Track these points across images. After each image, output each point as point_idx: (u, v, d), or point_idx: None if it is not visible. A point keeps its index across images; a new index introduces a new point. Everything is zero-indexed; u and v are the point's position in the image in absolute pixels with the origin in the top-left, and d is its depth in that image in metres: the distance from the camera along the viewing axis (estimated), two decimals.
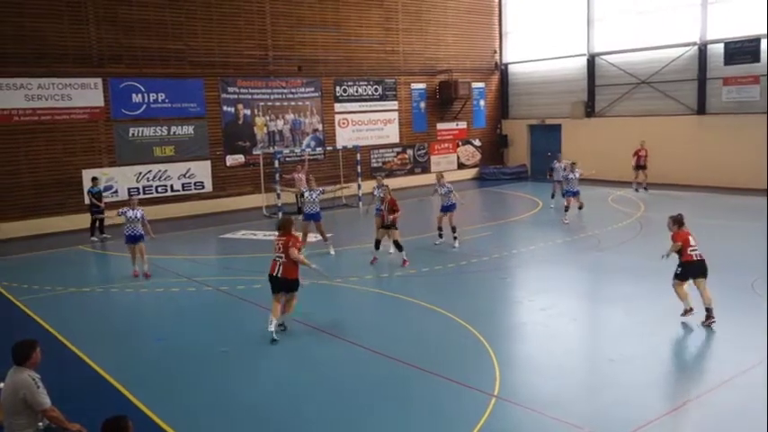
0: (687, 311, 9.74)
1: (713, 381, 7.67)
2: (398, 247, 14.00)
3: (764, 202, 19.42)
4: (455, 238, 15.37)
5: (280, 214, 20.86)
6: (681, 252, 9.85)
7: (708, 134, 23.43)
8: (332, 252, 15.32)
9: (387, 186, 14.70)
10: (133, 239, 13.58)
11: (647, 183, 22.68)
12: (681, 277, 9.83)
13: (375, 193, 15.32)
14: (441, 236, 15.82)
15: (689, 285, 9.76)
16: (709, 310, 9.55)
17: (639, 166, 22.71)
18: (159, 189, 21.61)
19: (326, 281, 11.94)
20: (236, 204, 22.66)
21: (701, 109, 23.82)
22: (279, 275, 9.71)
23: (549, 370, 8.37)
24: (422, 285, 12.61)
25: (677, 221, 10.10)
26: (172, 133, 21.77)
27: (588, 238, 16.09)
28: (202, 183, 22.44)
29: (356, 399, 7.70)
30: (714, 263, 13.32)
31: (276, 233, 10.19)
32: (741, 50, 22.30)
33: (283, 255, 9.72)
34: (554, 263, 14.05)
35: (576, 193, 18.28)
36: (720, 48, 22.90)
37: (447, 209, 15.59)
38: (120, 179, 20.79)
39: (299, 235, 12.85)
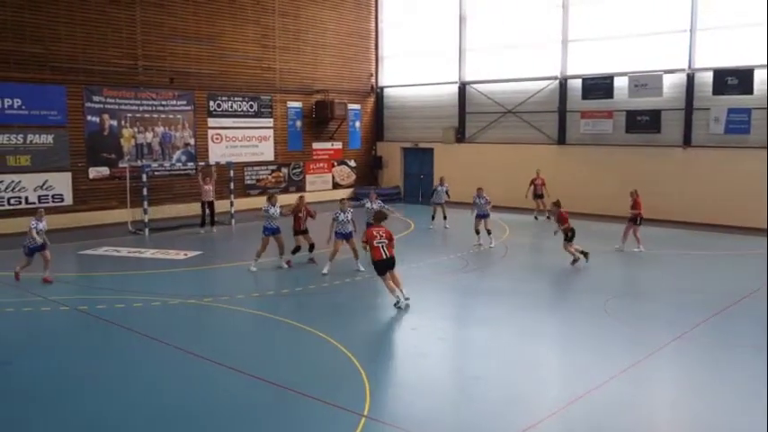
0: (576, 260, 15.35)
1: (570, 395, 8.10)
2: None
3: (617, 228, 21.00)
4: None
5: (146, 230, 20.06)
6: (564, 223, 15.43)
7: (568, 163, 25.00)
8: (284, 265, 15.37)
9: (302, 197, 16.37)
10: (40, 248, 13.78)
11: (547, 210, 23.20)
12: (570, 240, 15.50)
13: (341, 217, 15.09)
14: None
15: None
16: (585, 254, 15.36)
17: (537, 195, 23.45)
18: (12, 201, 20.04)
19: (196, 300, 11.54)
20: (98, 219, 21.42)
21: (562, 139, 25.41)
22: (386, 256, 11.89)
23: (419, 388, 8.53)
24: (293, 305, 12.49)
25: (557, 204, 16.19)
26: (28, 142, 20.31)
27: (456, 259, 16.61)
28: (61, 195, 21.06)
29: (218, 421, 7.45)
30: (570, 284, 14.23)
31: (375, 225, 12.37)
32: (596, 86, 24.10)
33: (387, 240, 11.88)
34: (424, 283, 14.37)
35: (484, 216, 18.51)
36: (579, 83, 24.63)
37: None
38: None
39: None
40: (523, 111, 26.31)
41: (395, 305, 11.91)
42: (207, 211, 20.76)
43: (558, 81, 25.33)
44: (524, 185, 23.77)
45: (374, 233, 12.04)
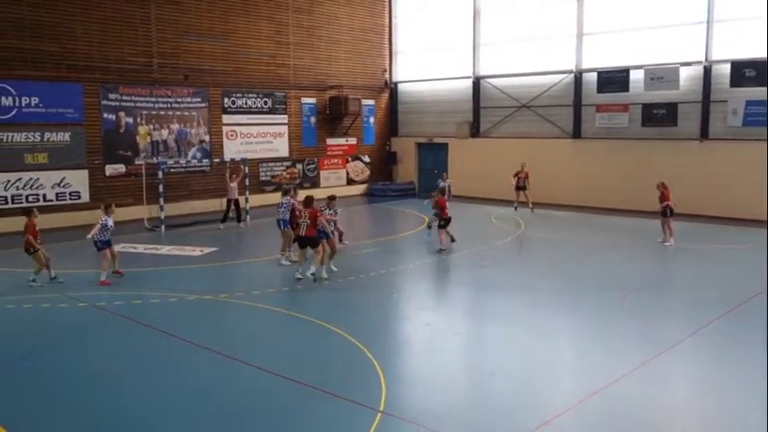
0: (443, 249, 16.47)
1: (585, 391, 8.08)
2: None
3: (633, 222, 20.85)
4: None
5: (162, 227, 20.21)
6: (442, 211, 16.83)
7: (582, 157, 24.88)
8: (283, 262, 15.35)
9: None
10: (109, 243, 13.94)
11: (532, 203, 23.52)
12: (443, 227, 16.89)
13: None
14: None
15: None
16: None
17: (519, 187, 23.62)
18: (30, 198, 20.26)
19: (212, 296, 11.62)
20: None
21: (577, 133, 25.27)
22: (303, 234, 13.37)
23: (434, 383, 8.54)
24: (308, 301, 12.53)
25: (440, 191, 18.07)
26: (46, 140, 20.53)
27: (471, 254, 16.59)
28: (78, 193, 21.27)
29: (236, 416, 7.50)
30: (585, 279, 14.15)
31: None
32: (612, 80, 23.93)
33: (309, 220, 13.22)
34: (439, 278, 14.41)
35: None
36: (594, 76, 24.46)
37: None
38: None
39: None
40: (538, 105, 26.19)
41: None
42: (231, 207, 20.92)
43: (572, 75, 25.17)
44: (540, 180, 23.71)
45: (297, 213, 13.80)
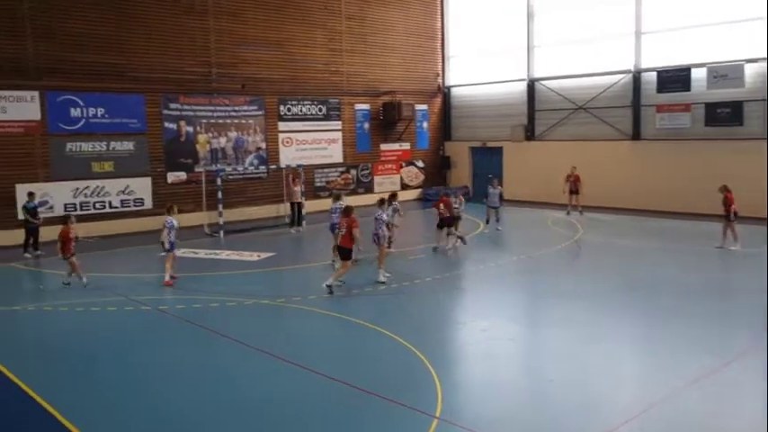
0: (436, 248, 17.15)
1: (645, 401, 7.90)
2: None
3: (695, 226, 20.29)
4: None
5: (221, 233, 20.67)
6: (441, 212, 17.03)
7: (642, 159, 24.31)
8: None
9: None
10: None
11: (581, 206, 23.23)
12: (439, 227, 17.32)
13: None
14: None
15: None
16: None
17: (571, 191, 23.25)
18: (97, 205, 21.04)
19: (269, 300, 11.83)
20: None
21: (636, 135, 24.72)
22: (338, 243, 13.49)
23: (490, 390, 8.49)
24: (364, 305, 12.62)
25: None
26: (111, 149, 21.29)
27: (528, 259, 16.41)
28: (142, 200, 21.97)
29: (295, 421, 7.62)
30: (646, 285, 13.82)
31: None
32: (672, 79, 23.31)
33: (344, 230, 13.14)
34: (494, 284, 14.29)
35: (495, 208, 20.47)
36: (653, 76, 23.89)
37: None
38: (55, 195, 20.15)
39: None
40: (595, 106, 25.72)
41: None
42: (296, 210, 21.37)
43: (631, 75, 24.64)
44: (597, 183, 23.31)
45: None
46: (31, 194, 18.20)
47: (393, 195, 16.80)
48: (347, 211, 13.61)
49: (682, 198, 22.68)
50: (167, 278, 14.13)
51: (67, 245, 14.00)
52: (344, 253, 13.44)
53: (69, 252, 14.00)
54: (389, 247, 15.92)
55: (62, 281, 14.21)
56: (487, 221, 20.95)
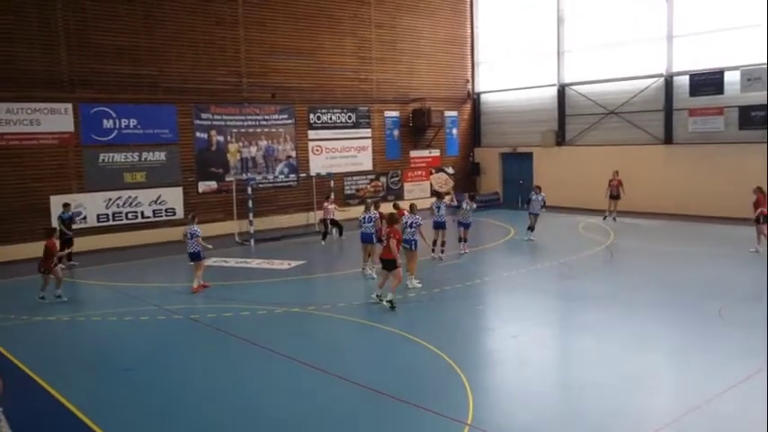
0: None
1: (682, 408, 7.72)
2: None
3: (730, 230, 19.87)
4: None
5: (252, 241, 20.81)
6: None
7: (674, 164, 23.93)
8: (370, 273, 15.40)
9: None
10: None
11: (617, 212, 22.98)
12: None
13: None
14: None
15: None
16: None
17: (612, 196, 22.96)
18: (129, 215, 21.35)
19: (300, 308, 11.84)
20: (207, 231, 22.17)
21: (668, 139, 24.33)
22: (383, 256, 12.67)
23: (522, 397, 8.38)
24: (395, 313, 12.56)
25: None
26: (143, 159, 21.60)
27: (559, 265, 16.21)
28: (174, 209, 22.23)
29: (323, 428, 7.60)
30: (681, 290, 13.55)
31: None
32: (705, 82, 22.92)
33: (386, 241, 12.59)
34: (525, 290, 14.13)
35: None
36: (686, 80, 23.51)
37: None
38: (89, 205, 20.50)
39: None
40: (626, 111, 25.41)
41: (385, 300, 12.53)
42: (329, 225, 21.32)
43: (663, 78, 24.29)
44: (629, 187, 22.97)
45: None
46: (66, 205, 18.53)
47: (439, 194, 16.74)
48: (392, 219, 13.08)
49: (715, 202, 22.25)
50: (195, 285, 14.25)
51: (50, 258, 13.89)
52: (390, 264, 12.65)
53: (50, 265, 13.87)
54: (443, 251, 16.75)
55: (37, 295, 13.93)
56: (531, 228, 19.80)
